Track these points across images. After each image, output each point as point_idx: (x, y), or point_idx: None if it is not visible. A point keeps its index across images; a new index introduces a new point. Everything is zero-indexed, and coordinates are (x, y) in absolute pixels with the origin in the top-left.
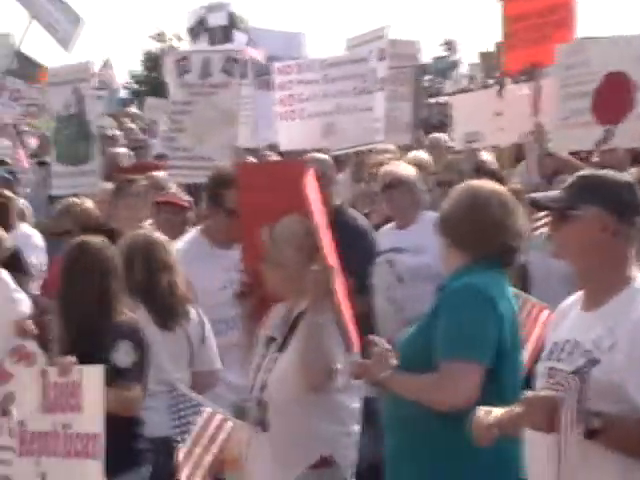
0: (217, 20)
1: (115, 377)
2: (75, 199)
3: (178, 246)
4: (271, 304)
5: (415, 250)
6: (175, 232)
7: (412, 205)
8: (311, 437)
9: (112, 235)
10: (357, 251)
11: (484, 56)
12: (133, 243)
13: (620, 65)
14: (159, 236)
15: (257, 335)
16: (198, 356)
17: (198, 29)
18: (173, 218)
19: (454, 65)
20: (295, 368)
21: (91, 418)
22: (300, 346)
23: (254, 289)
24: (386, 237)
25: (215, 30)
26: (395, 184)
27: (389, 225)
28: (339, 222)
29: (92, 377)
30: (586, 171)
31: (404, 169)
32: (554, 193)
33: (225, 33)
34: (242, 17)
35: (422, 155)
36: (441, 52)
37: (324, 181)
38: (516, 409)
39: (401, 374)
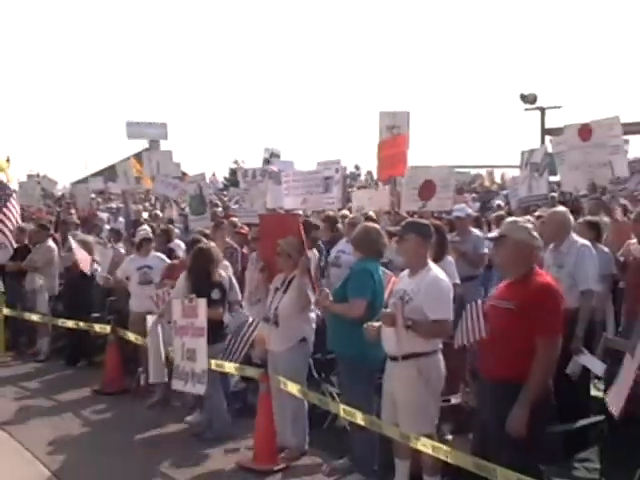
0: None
1: (212, 303)
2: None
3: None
4: (274, 275)
5: (350, 253)
6: (242, 244)
7: None
8: (297, 329)
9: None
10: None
11: (369, 172)
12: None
13: (431, 177)
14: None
15: (268, 288)
16: (229, 293)
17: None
18: (242, 239)
19: (358, 175)
20: (292, 300)
21: (201, 320)
22: (295, 291)
23: (266, 268)
24: (341, 245)
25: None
26: (354, 224)
27: (343, 239)
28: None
29: (201, 303)
30: (411, 219)
31: (359, 220)
32: (398, 228)
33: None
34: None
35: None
36: (353, 169)
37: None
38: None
39: (334, 304)
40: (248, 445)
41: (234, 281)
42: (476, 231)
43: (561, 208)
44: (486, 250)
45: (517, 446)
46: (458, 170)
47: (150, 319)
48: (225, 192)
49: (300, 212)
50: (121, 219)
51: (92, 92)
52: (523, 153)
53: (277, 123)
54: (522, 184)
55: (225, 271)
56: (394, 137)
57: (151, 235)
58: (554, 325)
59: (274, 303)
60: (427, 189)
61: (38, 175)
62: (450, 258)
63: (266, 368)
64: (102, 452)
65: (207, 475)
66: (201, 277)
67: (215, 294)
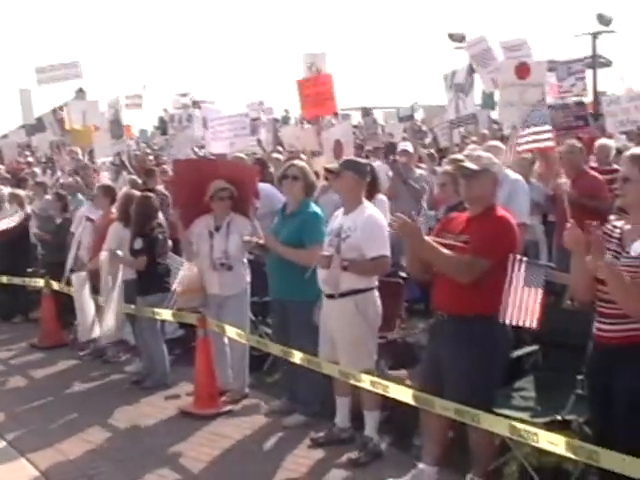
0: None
1: (135, 253)
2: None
3: None
4: (191, 220)
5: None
6: None
7: None
8: (246, 272)
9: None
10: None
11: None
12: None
13: (338, 137)
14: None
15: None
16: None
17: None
18: None
19: (289, 119)
20: (241, 243)
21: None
22: (244, 234)
23: (182, 214)
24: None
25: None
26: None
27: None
28: None
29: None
30: (349, 158)
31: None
32: (336, 165)
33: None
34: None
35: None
36: (283, 113)
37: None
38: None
39: (288, 248)
40: (188, 391)
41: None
42: (419, 170)
43: (498, 142)
44: (425, 185)
45: (472, 382)
46: (387, 110)
47: (75, 277)
48: (154, 141)
49: (235, 155)
50: (49, 172)
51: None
52: (446, 76)
53: (204, 71)
54: (449, 106)
55: None
56: (316, 76)
57: (111, 184)
58: (487, 249)
59: (219, 246)
60: (338, 148)
61: None
62: (382, 197)
63: (202, 313)
64: (43, 404)
65: (148, 422)
66: (133, 227)
67: (137, 244)
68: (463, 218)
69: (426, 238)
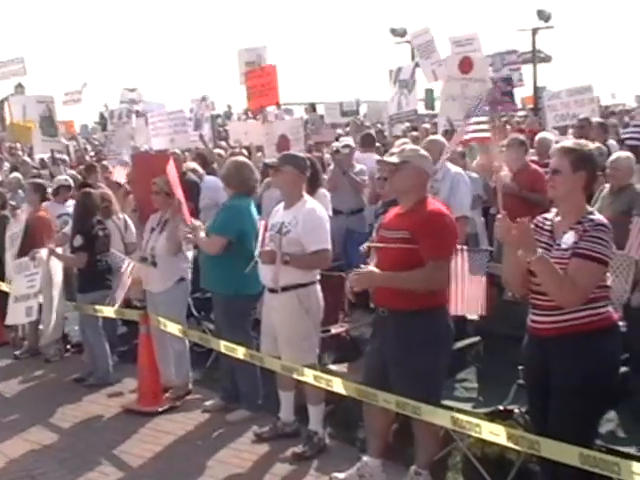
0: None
1: (74, 250)
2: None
3: None
4: (148, 215)
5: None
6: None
7: None
8: (175, 268)
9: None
10: (192, 191)
11: (245, 110)
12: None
13: (284, 131)
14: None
15: (143, 228)
16: (126, 236)
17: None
18: (113, 183)
19: (231, 114)
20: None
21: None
22: (168, 233)
23: (139, 209)
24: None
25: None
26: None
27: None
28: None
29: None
30: (288, 152)
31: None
32: (274, 160)
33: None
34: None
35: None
36: (226, 109)
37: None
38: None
39: (198, 236)
40: (132, 388)
41: (129, 222)
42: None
43: (439, 137)
44: (365, 178)
45: (418, 377)
46: (330, 104)
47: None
48: (95, 136)
49: (172, 150)
50: None
51: None
52: (391, 71)
53: (148, 67)
54: (392, 101)
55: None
56: (262, 67)
57: (70, 182)
58: (443, 249)
59: (150, 243)
60: (283, 143)
61: None
62: (323, 191)
63: (146, 309)
64: None
65: (91, 420)
66: (73, 224)
67: (76, 241)
68: (397, 212)
69: (379, 273)
